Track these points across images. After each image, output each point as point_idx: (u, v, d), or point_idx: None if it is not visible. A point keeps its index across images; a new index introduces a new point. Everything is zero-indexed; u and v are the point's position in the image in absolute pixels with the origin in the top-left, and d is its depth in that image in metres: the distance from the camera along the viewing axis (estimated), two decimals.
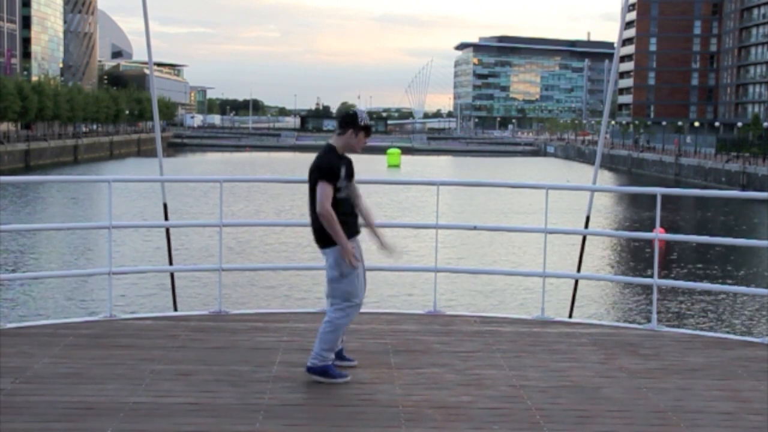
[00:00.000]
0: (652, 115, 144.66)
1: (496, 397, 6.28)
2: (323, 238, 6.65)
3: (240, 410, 5.84)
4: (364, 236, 6.99)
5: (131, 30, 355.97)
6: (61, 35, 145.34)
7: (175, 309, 9.91)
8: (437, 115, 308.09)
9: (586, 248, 10.09)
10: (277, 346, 7.48)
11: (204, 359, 7.06)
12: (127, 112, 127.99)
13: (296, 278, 25.93)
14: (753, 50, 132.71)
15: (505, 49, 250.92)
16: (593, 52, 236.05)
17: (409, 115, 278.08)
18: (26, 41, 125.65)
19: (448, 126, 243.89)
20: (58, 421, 5.56)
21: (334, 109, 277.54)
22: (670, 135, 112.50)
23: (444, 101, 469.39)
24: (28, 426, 5.46)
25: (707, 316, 23.08)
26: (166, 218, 10.25)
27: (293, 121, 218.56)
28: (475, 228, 10.89)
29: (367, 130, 6.79)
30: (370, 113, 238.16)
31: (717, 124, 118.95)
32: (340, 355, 6.87)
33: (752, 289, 16.17)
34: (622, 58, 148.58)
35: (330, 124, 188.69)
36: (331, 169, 6.55)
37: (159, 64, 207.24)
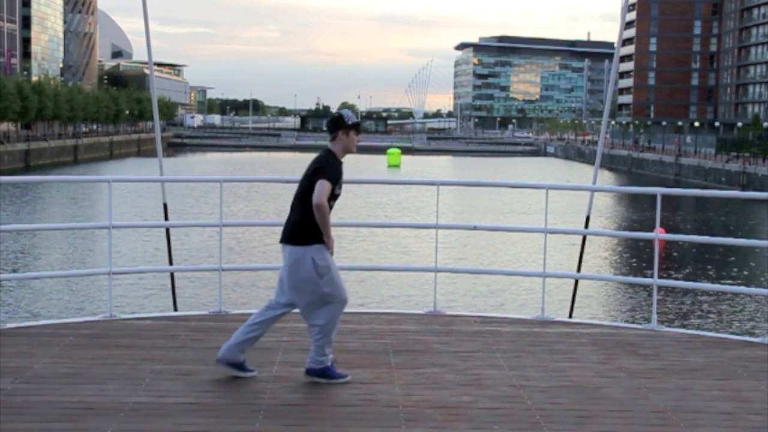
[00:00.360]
0: (652, 115, 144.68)
1: (496, 397, 6.28)
2: (300, 236, 6.52)
3: (240, 410, 5.84)
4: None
5: (131, 30, 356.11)
6: (61, 35, 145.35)
7: (175, 309, 9.91)
8: (437, 115, 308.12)
9: (586, 248, 10.09)
10: (277, 346, 7.47)
11: (204, 359, 7.05)
12: (127, 112, 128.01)
13: None
14: (753, 50, 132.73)
15: (505, 49, 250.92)
16: (593, 52, 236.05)
17: (409, 115, 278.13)
18: (26, 41, 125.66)
19: (448, 126, 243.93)
20: (58, 421, 5.56)
21: (334, 109, 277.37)
22: (670, 135, 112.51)
23: (444, 101, 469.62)
24: (28, 426, 5.46)
25: (707, 316, 23.08)
26: (166, 218, 10.25)
27: (293, 121, 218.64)
28: (475, 228, 10.89)
29: (356, 128, 6.77)
30: (370, 113, 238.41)
31: (717, 124, 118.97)
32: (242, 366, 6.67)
33: (752, 289, 16.20)
34: (622, 58, 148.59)
35: None
36: (336, 173, 6.56)
37: (159, 64, 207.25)
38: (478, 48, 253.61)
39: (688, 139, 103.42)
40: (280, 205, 46.99)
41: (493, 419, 5.79)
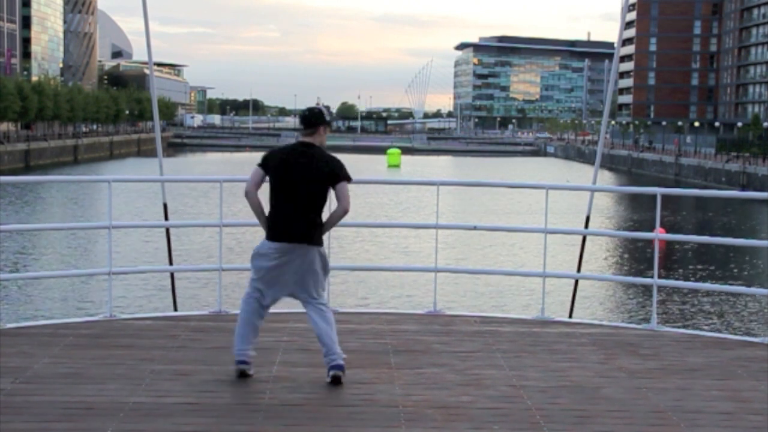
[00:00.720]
0: (652, 115, 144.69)
1: (496, 397, 6.28)
2: (320, 237, 6.62)
3: (240, 410, 5.84)
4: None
5: (131, 30, 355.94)
6: (61, 35, 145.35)
7: (175, 309, 9.91)
8: (437, 115, 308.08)
9: (586, 248, 10.09)
10: (277, 346, 7.48)
11: (204, 359, 7.06)
12: (127, 112, 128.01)
13: None
14: (753, 50, 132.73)
15: (505, 49, 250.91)
16: (593, 52, 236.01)
17: (409, 115, 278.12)
18: (26, 41, 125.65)
19: (448, 126, 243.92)
20: (58, 421, 5.56)
21: (334, 109, 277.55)
22: (670, 135, 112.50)
23: (444, 101, 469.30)
24: (28, 426, 5.46)
25: (707, 316, 23.08)
26: (166, 218, 10.25)
27: (293, 121, 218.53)
28: (475, 228, 10.89)
29: (330, 125, 6.80)
30: (370, 113, 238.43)
31: (717, 124, 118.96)
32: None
33: (752, 289, 16.18)
34: (622, 58, 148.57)
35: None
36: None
37: (159, 64, 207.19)
38: (478, 48, 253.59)
39: (688, 139, 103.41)
40: None
41: (493, 419, 5.80)
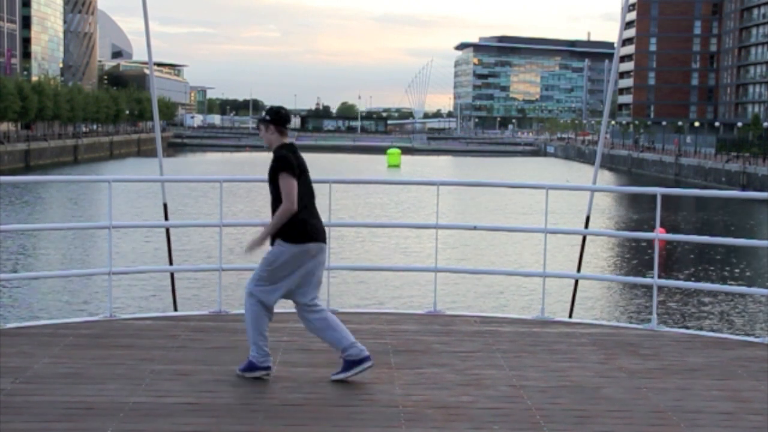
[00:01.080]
0: (652, 115, 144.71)
1: (496, 397, 6.28)
2: None
3: (240, 410, 5.84)
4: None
5: (131, 30, 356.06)
6: (61, 35, 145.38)
7: (175, 309, 9.91)
8: (437, 115, 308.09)
9: (586, 248, 10.09)
10: (277, 346, 7.47)
11: (204, 359, 7.06)
12: (127, 112, 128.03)
13: None
14: (753, 50, 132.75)
15: (505, 49, 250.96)
16: (593, 52, 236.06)
17: (409, 115, 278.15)
18: (26, 41, 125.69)
19: (448, 126, 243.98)
20: (58, 421, 5.56)
21: (334, 109, 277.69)
22: (670, 135, 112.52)
23: (444, 101, 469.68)
24: (28, 426, 5.46)
25: (707, 316, 23.08)
26: (166, 218, 10.25)
27: (293, 121, 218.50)
28: (475, 228, 10.88)
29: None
30: (370, 113, 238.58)
31: (717, 124, 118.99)
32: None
33: (752, 289, 16.18)
34: (622, 58, 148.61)
35: (330, 124, 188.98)
36: None
37: (159, 64, 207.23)
38: (478, 48, 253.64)
39: (688, 139, 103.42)
40: None
41: (493, 419, 5.80)
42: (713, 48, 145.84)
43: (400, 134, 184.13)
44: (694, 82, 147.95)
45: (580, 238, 10.10)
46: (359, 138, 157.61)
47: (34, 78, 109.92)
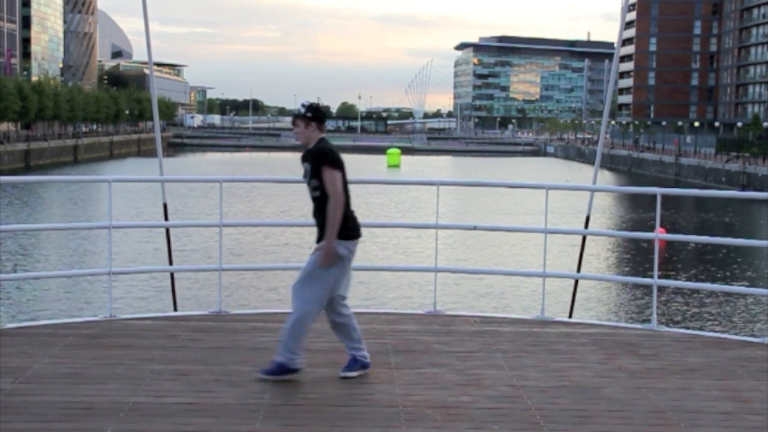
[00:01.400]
0: (652, 115, 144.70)
1: (495, 397, 6.28)
2: None
3: (240, 410, 5.84)
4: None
5: (131, 30, 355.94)
6: (61, 35, 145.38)
7: (175, 309, 9.91)
8: (437, 115, 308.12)
9: (586, 248, 10.09)
10: (276, 347, 7.47)
11: (204, 359, 7.06)
12: (127, 112, 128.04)
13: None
14: (753, 50, 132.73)
15: (505, 49, 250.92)
16: (593, 52, 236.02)
17: (409, 115, 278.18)
18: (26, 41, 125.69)
19: (448, 126, 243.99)
20: (58, 421, 5.56)
21: (334, 109, 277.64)
22: (670, 135, 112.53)
23: (444, 101, 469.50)
24: (28, 426, 5.46)
25: (707, 316, 23.08)
26: (166, 218, 10.25)
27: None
28: (475, 228, 10.89)
29: None
30: (370, 113, 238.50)
31: (717, 124, 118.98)
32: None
33: (752, 289, 16.18)
34: (622, 58, 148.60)
35: (330, 124, 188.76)
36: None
37: (159, 64, 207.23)
38: (478, 48, 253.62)
39: (688, 139, 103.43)
40: (280, 205, 47.00)
41: (493, 419, 5.80)
42: (713, 48, 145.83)
43: (400, 134, 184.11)
44: (694, 82, 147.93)
45: (580, 238, 10.10)
46: (359, 138, 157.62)
47: (34, 78, 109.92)
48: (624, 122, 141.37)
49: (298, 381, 6.53)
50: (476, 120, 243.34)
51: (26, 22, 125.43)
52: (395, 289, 24.71)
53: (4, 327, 8.04)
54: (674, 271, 29.38)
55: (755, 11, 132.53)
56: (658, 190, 8.87)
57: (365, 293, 23.94)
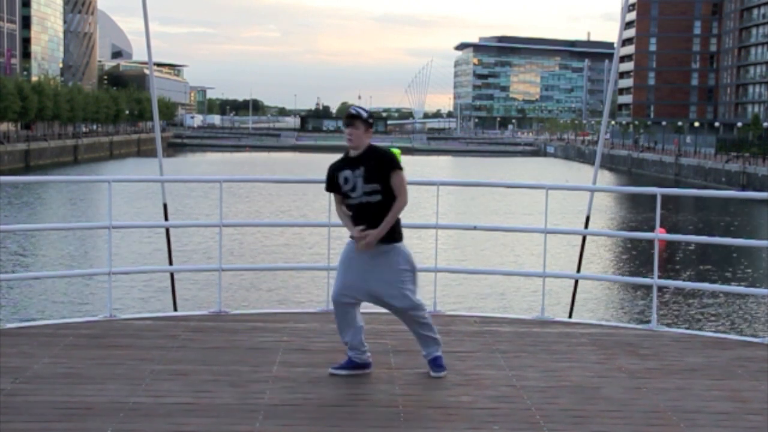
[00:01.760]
0: (652, 115, 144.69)
1: (495, 397, 6.28)
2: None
3: (240, 410, 5.84)
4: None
5: (131, 30, 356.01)
6: (61, 35, 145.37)
7: (175, 309, 9.90)
8: (437, 115, 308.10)
9: (586, 248, 10.09)
10: (277, 346, 7.47)
11: (204, 359, 7.06)
12: (127, 112, 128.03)
13: (296, 278, 25.94)
14: (753, 50, 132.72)
15: (505, 49, 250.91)
16: (593, 52, 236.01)
17: (409, 115, 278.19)
18: (26, 41, 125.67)
19: (448, 126, 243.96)
20: (58, 421, 5.56)
21: (334, 109, 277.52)
22: (670, 135, 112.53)
23: (444, 101, 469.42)
24: (28, 426, 5.46)
25: (707, 316, 23.09)
26: (166, 218, 10.25)
27: (293, 121, 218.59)
28: (475, 228, 10.88)
29: (343, 121, 6.82)
30: (370, 113, 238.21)
31: (717, 124, 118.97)
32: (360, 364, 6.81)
33: (752, 289, 16.18)
34: (622, 58, 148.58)
35: (330, 125, 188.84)
36: (329, 170, 6.78)
37: (159, 64, 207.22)
38: (478, 48, 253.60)
39: (688, 139, 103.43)
40: (280, 205, 46.99)
41: (493, 419, 5.80)
42: (713, 48, 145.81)
43: (400, 134, 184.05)
44: (694, 82, 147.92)
45: (580, 238, 10.10)
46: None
47: (34, 78, 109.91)
48: (624, 122, 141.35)
49: (298, 381, 6.53)
50: (476, 120, 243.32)
51: (26, 22, 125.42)
52: None
53: (4, 327, 8.04)
54: (674, 271, 29.38)
55: (755, 11, 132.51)
56: (658, 190, 8.87)
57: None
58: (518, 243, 34.51)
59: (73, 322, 8.44)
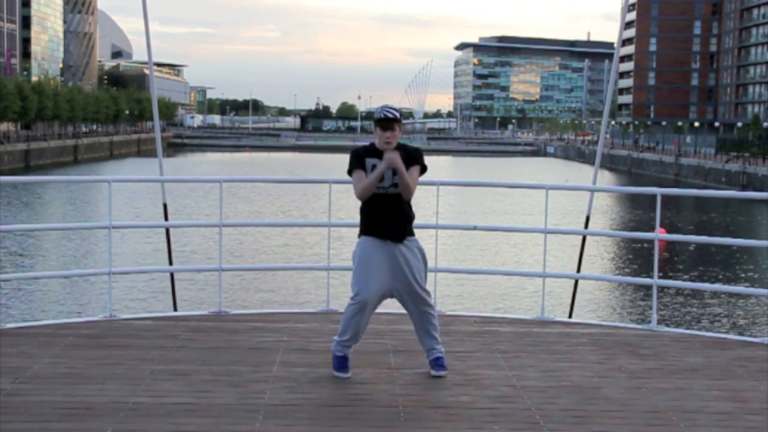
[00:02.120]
0: (652, 115, 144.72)
1: (495, 397, 6.28)
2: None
3: (239, 410, 5.84)
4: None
5: (131, 30, 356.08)
6: (61, 35, 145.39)
7: (175, 309, 9.90)
8: (437, 115, 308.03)
9: (586, 248, 10.08)
10: (277, 346, 7.47)
11: (204, 359, 7.06)
12: (127, 112, 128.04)
13: (296, 279, 25.94)
14: (753, 50, 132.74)
15: (505, 49, 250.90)
16: (593, 52, 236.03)
17: (409, 115, 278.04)
18: (26, 41, 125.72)
19: (448, 126, 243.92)
20: (58, 421, 5.56)
21: (334, 109, 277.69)
22: (670, 135, 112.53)
23: (444, 101, 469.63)
24: (28, 426, 5.46)
25: (707, 316, 23.09)
26: (166, 218, 10.24)
27: (293, 121, 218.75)
28: (475, 228, 10.88)
29: (378, 124, 6.82)
30: (370, 113, 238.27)
31: (717, 124, 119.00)
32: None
33: (752, 289, 16.18)
34: (622, 58, 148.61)
35: (330, 125, 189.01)
36: (350, 163, 6.78)
37: (159, 64, 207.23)
38: (478, 48, 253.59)
39: (688, 139, 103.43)
40: (280, 205, 46.99)
41: (493, 419, 5.80)
42: (713, 48, 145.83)
43: (401, 134, 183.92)
44: (694, 82, 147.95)
45: (580, 238, 10.09)
46: (359, 138, 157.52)
47: (34, 78, 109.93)
48: (624, 122, 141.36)
49: (298, 381, 6.53)
50: (476, 120, 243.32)
51: (26, 22, 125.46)
52: None
53: (4, 327, 8.04)
54: (674, 271, 29.38)
55: (755, 11, 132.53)
56: (658, 190, 8.86)
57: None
58: (518, 243, 34.51)
59: (73, 322, 8.43)
